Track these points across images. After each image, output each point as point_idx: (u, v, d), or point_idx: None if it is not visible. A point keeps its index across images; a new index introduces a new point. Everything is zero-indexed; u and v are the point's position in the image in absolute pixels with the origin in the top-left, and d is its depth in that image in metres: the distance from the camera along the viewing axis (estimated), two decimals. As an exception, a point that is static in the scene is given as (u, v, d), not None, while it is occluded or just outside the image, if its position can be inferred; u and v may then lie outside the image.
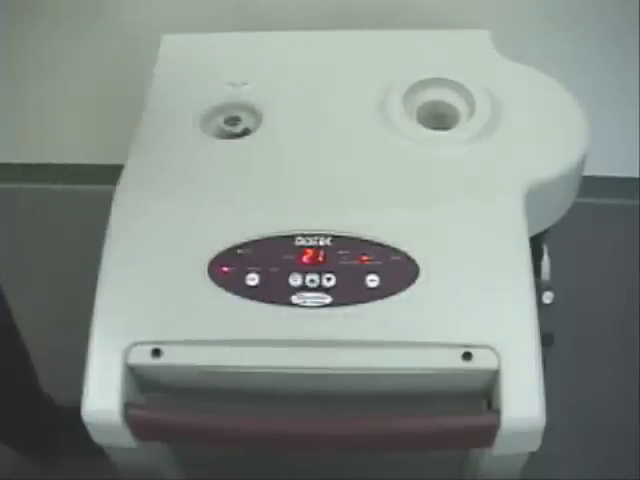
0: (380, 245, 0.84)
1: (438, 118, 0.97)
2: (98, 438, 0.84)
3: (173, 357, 0.81)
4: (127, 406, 0.80)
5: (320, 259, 0.84)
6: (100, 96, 1.52)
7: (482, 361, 0.79)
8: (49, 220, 1.60)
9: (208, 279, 0.84)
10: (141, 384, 0.84)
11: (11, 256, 1.51)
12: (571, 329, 1.23)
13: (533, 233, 0.90)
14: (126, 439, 0.83)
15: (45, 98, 1.54)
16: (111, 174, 0.93)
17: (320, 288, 0.82)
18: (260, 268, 0.84)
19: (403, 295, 0.82)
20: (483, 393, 0.82)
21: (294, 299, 0.82)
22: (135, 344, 0.82)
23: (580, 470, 1.26)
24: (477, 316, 0.82)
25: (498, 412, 0.78)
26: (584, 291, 1.43)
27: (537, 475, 1.00)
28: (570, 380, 1.29)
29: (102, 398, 0.81)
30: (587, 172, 0.97)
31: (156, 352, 0.81)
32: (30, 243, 1.53)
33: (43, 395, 1.27)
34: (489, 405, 0.82)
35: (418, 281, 0.82)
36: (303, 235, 0.85)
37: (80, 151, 1.65)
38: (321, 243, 0.85)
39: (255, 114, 0.99)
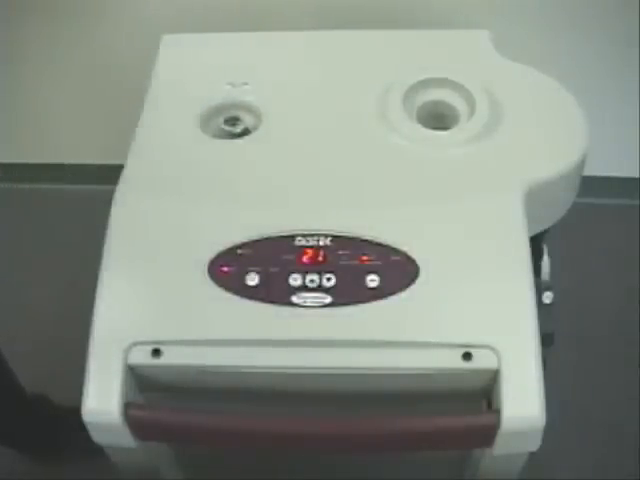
0: (380, 245, 0.84)
1: (438, 118, 0.97)
2: (98, 438, 0.84)
3: (173, 357, 0.81)
4: (127, 406, 0.80)
5: (320, 259, 0.84)
6: (100, 96, 1.53)
7: (482, 361, 0.79)
8: (49, 220, 1.60)
9: (208, 279, 0.83)
10: (141, 384, 0.83)
11: (11, 256, 1.51)
12: (571, 329, 1.23)
13: (533, 233, 0.90)
14: (126, 439, 0.83)
15: (45, 98, 1.54)
16: (111, 174, 0.93)
17: (320, 288, 0.82)
18: (260, 268, 0.84)
19: (403, 295, 0.82)
20: (483, 393, 0.82)
21: (294, 299, 0.82)
22: (135, 344, 0.82)
23: (580, 470, 1.26)
24: (477, 316, 0.81)
25: (498, 412, 0.78)
26: (584, 291, 1.43)
27: (537, 475, 1.00)
28: (570, 380, 1.29)
29: (102, 398, 0.80)
30: (587, 172, 0.97)
31: (156, 352, 0.81)
32: (30, 243, 1.53)
33: (41, 395, 1.27)
34: (489, 405, 0.82)
35: (418, 281, 0.82)
36: (303, 235, 0.85)
37: (80, 151, 1.65)
38: (321, 243, 0.85)
39: (255, 114, 0.99)
